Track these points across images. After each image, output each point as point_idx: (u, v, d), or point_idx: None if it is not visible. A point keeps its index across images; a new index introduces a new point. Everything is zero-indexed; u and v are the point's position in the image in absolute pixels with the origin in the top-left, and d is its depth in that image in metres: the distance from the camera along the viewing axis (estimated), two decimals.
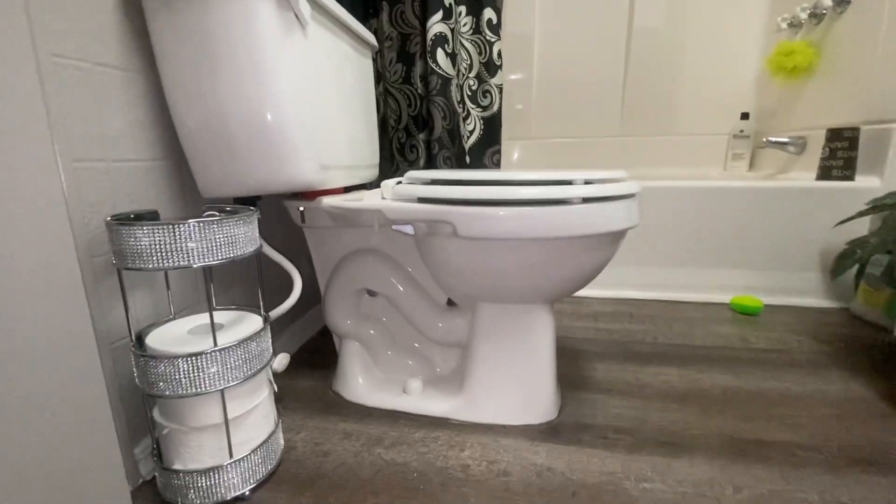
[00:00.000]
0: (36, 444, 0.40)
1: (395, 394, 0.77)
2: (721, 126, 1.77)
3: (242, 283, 0.80)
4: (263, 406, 0.59)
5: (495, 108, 1.20)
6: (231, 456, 0.54)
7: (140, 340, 0.55)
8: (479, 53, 1.18)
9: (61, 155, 0.48)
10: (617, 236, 0.64)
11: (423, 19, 1.07)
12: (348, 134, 0.78)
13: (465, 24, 1.14)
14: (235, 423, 0.55)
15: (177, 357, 0.49)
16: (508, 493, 0.57)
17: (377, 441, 0.68)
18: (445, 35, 1.08)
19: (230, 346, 0.51)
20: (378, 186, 1.22)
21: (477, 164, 1.21)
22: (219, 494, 0.54)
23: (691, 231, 1.26)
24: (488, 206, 0.58)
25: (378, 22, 1.13)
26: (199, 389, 0.50)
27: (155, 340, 0.53)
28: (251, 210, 0.57)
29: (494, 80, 1.19)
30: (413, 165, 1.18)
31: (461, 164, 1.17)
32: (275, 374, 0.86)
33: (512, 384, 0.72)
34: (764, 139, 1.51)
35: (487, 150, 1.22)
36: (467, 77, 1.18)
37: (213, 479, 0.53)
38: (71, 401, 0.42)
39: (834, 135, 1.21)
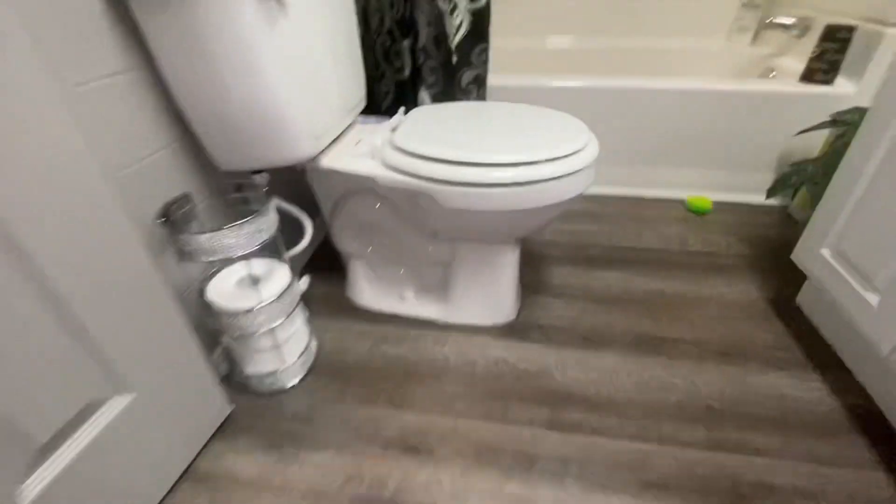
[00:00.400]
0: (140, 335, 0.62)
1: (394, 301, 1.00)
2: None
3: None
4: (301, 327, 0.81)
5: (483, 1, 1.14)
6: (284, 363, 0.79)
7: (201, 292, 0.73)
8: None
9: (105, 172, 0.59)
10: (576, 196, 0.77)
11: None
12: (338, 84, 0.82)
13: None
14: (282, 339, 0.78)
15: (236, 313, 0.68)
16: (474, 377, 0.84)
17: (383, 339, 0.93)
18: None
19: (272, 301, 0.70)
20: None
21: (464, 63, 1.20)
22: (279, 385, 0.80)
23: (659, 130, 1.32)
24: (465, 186, 0.70)
25: None
26: (254, 331, 0.71)
27: (214, 295, 0.72)
28: (266, 198, 0.70)
29: None
30: (398, 73, 1.18)
31: (447, 69, 1.17)
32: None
33: (483, 296, 0.94)
34: (769, 19, 1.43)
35: (475, 48, 1.19)
36: None
37: (274, 377, 0.79)
38: (165, 334, 0.63)
39: (829, 32, 1.18)
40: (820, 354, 0.87)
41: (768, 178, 1.36)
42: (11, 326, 0.44)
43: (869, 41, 1.13)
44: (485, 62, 1.22)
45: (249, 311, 0.69)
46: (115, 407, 0.56)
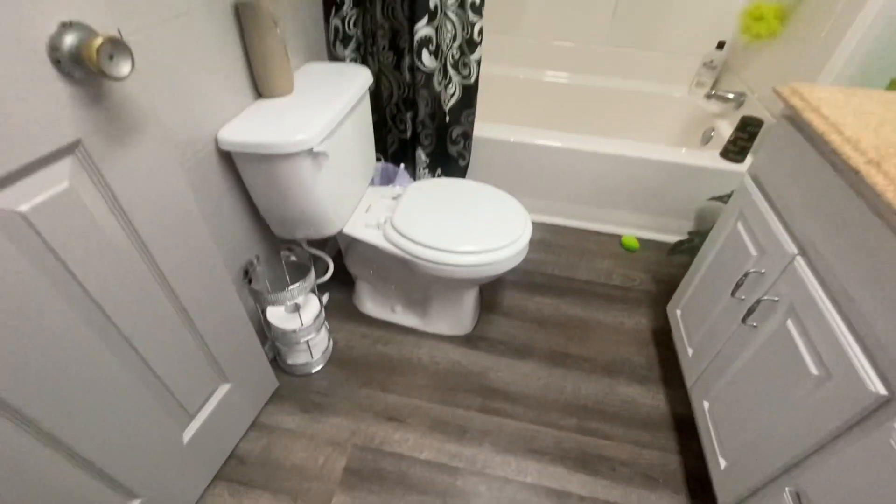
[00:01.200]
0: (234, 348, 1.04)
1: (388, 311, 1.41)
2: (698, 47, 1.89)
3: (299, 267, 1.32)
4: (323, 334, 1.22)
5: (472, 79, 1.44)
6: (312, 357, 1.21)
7: (264, 315, 1.13)
8: (463, 29, 1.35)
9: (218, 246, 0.96)
10: (515, 266, 1.14)
11: (411, 20, 1.23)
12: (360, 174, 1.17)
13: None
14: (312, 344, 1.19)
15: (286, 331, 1.09)
16: (437, 373, 1.27)
17: (378, 340, 1.34)
18: (430, 37, 1.26)
19: (308, 325, 1.11)
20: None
21: (455, 122, 1.53)
22: (309, 370, 1.23)
23: (608, 180, 1.66)
24: (437, 264, 1.08)
25: (372, 9, 1.27)
26: (297, 341, 1.12)
27: (273, 318, 1.12)
28: (305, 253, 1.07)
29: (474, 56, 1.39)
30: (401, 133, 1.51)
31: (441, 131, 1.50)
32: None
33: (450, 315, 1.34)
34: (712, 91, 1.73)
35: (464, 111, 1.51)
36: (451, 47, 1.38)
37: (305, 366, 1.21)
38: (239, 333, 1.04)
39: (743, 123, 1.49)
40: (671, 375, 1.29)
41: (691, 224, 1.72)
42: (173, 339, 0.84)
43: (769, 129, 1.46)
44: (471, 122, 1.54)
45: (294, 330, 1.10)
46: (222, 391, 0.98)
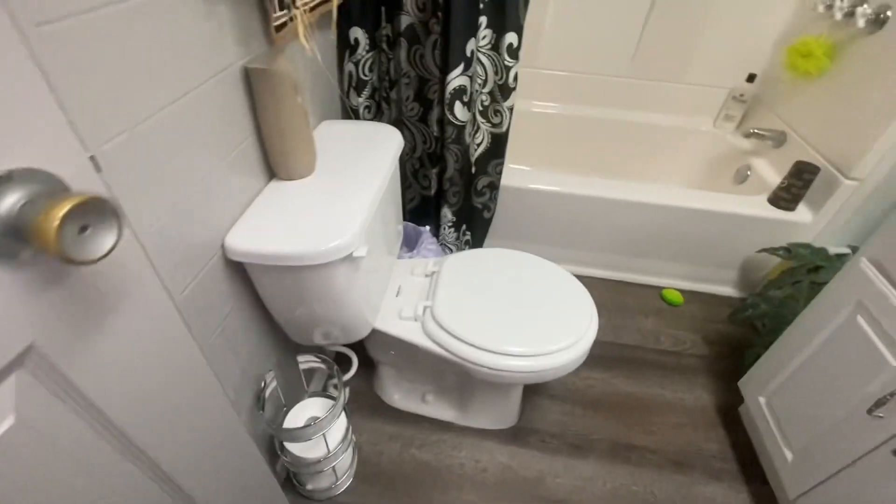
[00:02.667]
0: (234, 473, 0.81)
1: (417, 401, 1.20)
2: (726, 79, 1.77)
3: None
4: (350, 450, 1.01)
5: (504, 127, 1.26)
6: (337, 479, 0.99)
7: (281, 444, 0.91)
8: (496, 73, 1.17)
9: (226, 374, 0.74)
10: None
11: (444, 70, 1.05)
12: (390, 252, 0.97)
13: (484, 37, 1.10)
14: (336, 465, 0.97)
15: (310, 461, 0.87)
16: (486, 483, 1.07)
17: (410, 442, 1.13)
18: (465, 87, 1.08)
19: (335, 452, 0.89)
20: None
21: (481, 172, 1.34)
22: (333, 493, 1.00)
23: (642, 230, 1.50)
24: (484, 367, 0.88)
25: (395, 55, 1.08)
26: (322, 469, 0.90)
27: (291, 445, 0.89)
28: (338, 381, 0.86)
29: (507, 103, 1.22)
30: (424, 190, 1.31)
31: (468, 184, 1.31)
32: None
33: (493, 408, 1.14)
34: (750, 129, 1.60)
35: (492, 161, 1.33)
36: (480, 93, 1.20)
37: (328, 490, 0.99)
38: (244, 458, 0.82)
39: (797, 170, 1.37)
40: (750, 467, 1.13)
41: (735, 274, 1.58)
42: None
43: (829, 184, 1.33)
44: (499, 173, 1.36)
45: (319, 460, 0.88)
46: None
